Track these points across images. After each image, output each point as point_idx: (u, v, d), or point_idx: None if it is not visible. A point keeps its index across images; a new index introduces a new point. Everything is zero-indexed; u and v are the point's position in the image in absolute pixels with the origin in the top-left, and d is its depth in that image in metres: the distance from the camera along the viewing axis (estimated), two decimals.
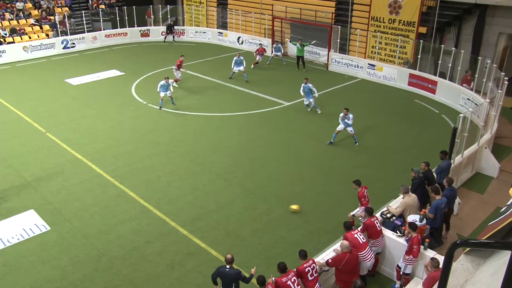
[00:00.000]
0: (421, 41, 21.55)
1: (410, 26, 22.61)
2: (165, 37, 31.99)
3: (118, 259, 10.52)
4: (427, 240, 9.28)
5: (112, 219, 11.99)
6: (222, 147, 16.13)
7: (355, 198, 12.12)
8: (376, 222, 9.59)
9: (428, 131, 17.47)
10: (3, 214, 12.09)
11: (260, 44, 26.98)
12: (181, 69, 22.21)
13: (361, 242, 9.05)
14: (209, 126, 17.93)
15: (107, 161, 14.92)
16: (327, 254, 9.21)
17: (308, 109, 19.11)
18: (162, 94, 19.10)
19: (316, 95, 18.67)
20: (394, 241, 9.61)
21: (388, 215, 10.34)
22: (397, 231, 9.73)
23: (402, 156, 15.40)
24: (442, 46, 20.90)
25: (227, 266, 8.29)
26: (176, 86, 21.48)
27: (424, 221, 9.75)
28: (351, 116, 15.71)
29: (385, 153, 15.77)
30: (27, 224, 11.69)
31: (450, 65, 20.07)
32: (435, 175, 11.62)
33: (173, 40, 32.09)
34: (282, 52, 26.62)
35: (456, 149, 12.80)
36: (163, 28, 32.31)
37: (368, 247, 9.17)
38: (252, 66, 25.13)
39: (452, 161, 12.42)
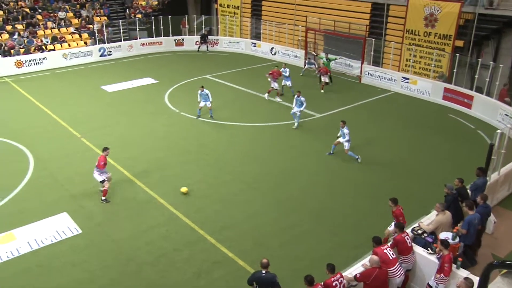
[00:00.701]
0: (458, 54, 21.12)
1: (446, 39, 22.21)
2: (199, 47, 32.46)
3: (146, 265, 10.63)
4: (460, 259, 8.99)
5: (142, 225, 12.14)
6: (252, 156, 16.16)
7: (384, 213, 11.93)
8: (407, 238, 9.37)
9: (463, 147, 17.04)
10: (38, 216, 12.42)
11: (323, 63, 24.43)
12: (276, 79, 21.62)
13: (391, 258, 8.86)
14: (240, 135, 18.00)
15: (139, 168, 15.14)
16: (356, 269, 9.05)
17: (295, 121, 18.64)
18: (201, 104, 19.19)
19: (302, 109, 18.28)
20: (425, 258, 9.37)
21: (419, 232, 10.08)
22: (428, 248, 9.48)
23: (435, 171, 15.05)
24: (480, 60, 20.42)
25: (263, 271, 8.33)
26: (271, 98, 21.22)
27: (457, 239, 9.47)
28: (346, 131, 15.38)
29: (418, 167, 15.45)
30: (60, 227, 11.97)
31: (487, 79, 19.57)
32: (469, 192, 11.30)
33: (207, 50, 32.50)
34: (315, 65, 26.55)
35: (493, 166, 12.41)
36: (197, 38, 32.80)
37: (398, 263, 8.96)
38: (322, 90, 23.34)
39: (488, 178, 12.05)
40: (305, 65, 27.15)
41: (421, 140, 17.72)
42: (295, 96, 18.54)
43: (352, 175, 14.97)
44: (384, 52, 25.24)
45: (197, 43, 32.56)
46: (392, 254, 8.93)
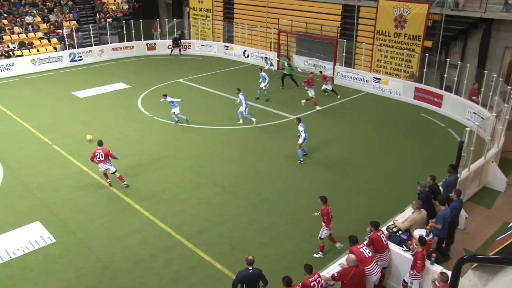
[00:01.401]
0: (427, 54, 21.58)
1: (416, 40, 22.67)
2: (172, 51, 32.24)
3: (123, 271, 10.49)
4: (433, 254, 9.19)
5: (118, 231, 11.98)
6: (227, 160, 16.14)
7: (360, 213, 12.13)
8: (382, 236, 9.52)
9: (434, 145, 17.40)
10: (9, 226, 12.11)
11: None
12: (312, 86, 21.03)
13: (367, 256, 8.99)
14: (214, 139, 17.96)
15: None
16: (333, 268, 9.14)
17: (240, 120, 19.27)
18: (173, 109, 19.07)
19: (247, 109, 18.89)
20: (400, 255, 9.53)
21: (394, 230, 10.25)
22: (403, 246, 9.65)
23: (408, 170, 15.32)
24: (448, 59, 20.91)
25: (250, 268, 8.37)
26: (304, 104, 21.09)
27: (431, 236, 9.67)
28: (300, 128, 15.54)
29: (391, 167, 15.69)
30: (32, 236, 11.70)
31: (456, 78, 20.06)
32: (441, 189, 11.55)
33: (179, 54, 32.32)
34: (272, 65, 26.82)
35: (463, 163, 12.73)
36: (169, 42, 32.58)
37: (374, 261, 9.10)
38: (338, 96, 22.91)
39: (458, 175, 12.34)
40: (278, 67, 27.31)
41: (394, 139, 18.03)
42: (239, 94, 18.91)
43: (326, 175, 15.10)
44: (355, 53, 25.58)
45: (170, 47, 32.34)
46: (368, 252, 9.06)
